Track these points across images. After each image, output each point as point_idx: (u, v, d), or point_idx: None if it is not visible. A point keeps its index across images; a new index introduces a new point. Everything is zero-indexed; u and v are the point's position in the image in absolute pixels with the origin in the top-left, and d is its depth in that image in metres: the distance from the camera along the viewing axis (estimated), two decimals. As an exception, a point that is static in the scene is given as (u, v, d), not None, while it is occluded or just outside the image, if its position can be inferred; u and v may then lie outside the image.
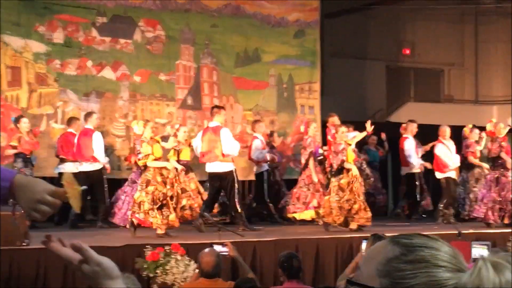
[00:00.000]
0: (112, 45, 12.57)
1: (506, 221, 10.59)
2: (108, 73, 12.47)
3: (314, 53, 14.30)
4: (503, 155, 10.71)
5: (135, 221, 8.83)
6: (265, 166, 11.60)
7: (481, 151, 11.72)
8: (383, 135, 13.42)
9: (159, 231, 8.65)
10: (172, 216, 8.68)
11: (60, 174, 10.10)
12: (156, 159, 9.02)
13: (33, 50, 11.84)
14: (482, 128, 11.77)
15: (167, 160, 9.52)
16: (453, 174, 11.65)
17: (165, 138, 10.11)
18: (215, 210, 11.05)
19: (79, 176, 9.18)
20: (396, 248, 1.27)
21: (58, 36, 12.10)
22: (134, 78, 12.68)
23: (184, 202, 9.92)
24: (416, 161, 11.86)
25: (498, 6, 17.70)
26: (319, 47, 14.36)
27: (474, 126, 11.79)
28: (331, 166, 9.91)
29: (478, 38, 18.60)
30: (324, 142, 11.40)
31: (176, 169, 9.51)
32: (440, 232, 9.40)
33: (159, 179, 8.86)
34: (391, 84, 17.82)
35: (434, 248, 1.26)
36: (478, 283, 1.20)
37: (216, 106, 10.46)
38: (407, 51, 18.04)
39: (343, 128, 10.05)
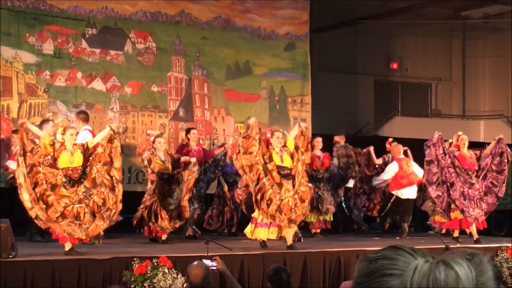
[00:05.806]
0: (102, 57, 12.57)
1: None
2: (98, 84, 12.47)
3: (305, 66, 14.38)
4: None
5: None
6: None
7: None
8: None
9: None
10: None
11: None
12: None
13: (23, 61, 11.82)
14: (473, 143, 11.93)
15: None
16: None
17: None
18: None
19: None
20: (363, 263, 1.32)
21: (48, 47, 12.09)
22: (125, 90, 12.69)
23: None
24: None
25: (485, 21, 17.87)
26: (309, 60, 14.45)
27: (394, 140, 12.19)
28: None
29: (466, 53, 18.74)
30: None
31: None
32: (427, 247, 9.48)
33: None
34: (379, 98, 17.91)
35: (388, 258, 1.29)
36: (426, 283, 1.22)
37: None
38: (395, 66, 18.15)
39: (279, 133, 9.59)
